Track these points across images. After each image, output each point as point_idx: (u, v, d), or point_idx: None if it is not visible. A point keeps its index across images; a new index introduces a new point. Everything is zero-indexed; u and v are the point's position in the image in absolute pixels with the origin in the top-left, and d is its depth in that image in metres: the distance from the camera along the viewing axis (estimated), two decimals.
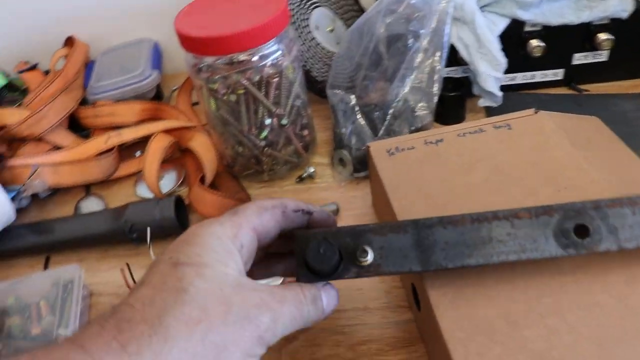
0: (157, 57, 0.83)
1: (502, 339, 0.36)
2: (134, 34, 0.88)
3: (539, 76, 0.73)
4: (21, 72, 0.81)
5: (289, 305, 0.35)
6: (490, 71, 0.64)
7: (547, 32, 0.67)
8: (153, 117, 0.75)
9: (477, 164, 0.50)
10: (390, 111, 0.63)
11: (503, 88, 0.71)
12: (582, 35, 0.68)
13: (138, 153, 0.74)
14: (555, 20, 0.65)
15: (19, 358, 0.29)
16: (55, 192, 0.73)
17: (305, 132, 0.66)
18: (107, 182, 0.72)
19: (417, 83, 0.63)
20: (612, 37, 0.66)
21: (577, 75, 0.72)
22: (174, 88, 0.83)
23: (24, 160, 0.68)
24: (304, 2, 0.73)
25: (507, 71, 0.69)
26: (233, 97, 0.59)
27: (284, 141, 0.64)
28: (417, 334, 0.48)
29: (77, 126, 0.77)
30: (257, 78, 0.58)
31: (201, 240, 0.35)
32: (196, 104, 0.80)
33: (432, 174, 0.50)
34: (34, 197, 0.72)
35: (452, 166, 0.50)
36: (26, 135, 0.71)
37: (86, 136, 0.75)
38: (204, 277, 0.33)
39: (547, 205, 0.38)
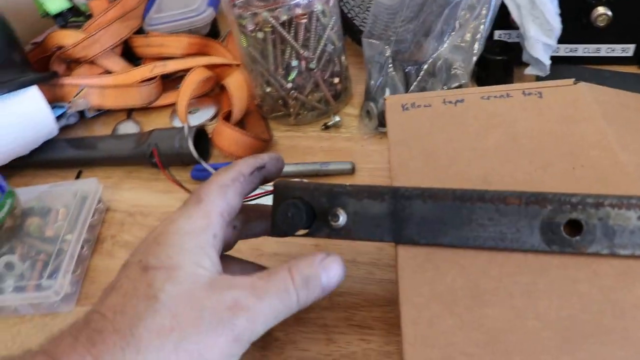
0: None
1: (459, 312, 0.33)
2: None
3: (604, 50, 0.67)
4: None
5: (269, 299, 0.33)
6: (540, 36, 0.60)
7: (617, 0, 0.61)
8: (200, 52, 0.77)
9: (492, 129, 0.47)
10: (425, 67, 0.60)
11: (562, 59, 0.66)
12: None
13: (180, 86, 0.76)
14: None
15: None
16: (102, 113, 0.77)
17: (336, 80, 0.64)
18: (147, 109, 0.75)
19: (457, 41, 0.60)
20: None
21: None
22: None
23: (74, 80, 0.73)
24: None
25: (567, 41, 0.64)
26: (260, 35, 0.59)
27: (312, 86, 0.63)
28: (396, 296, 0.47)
29: (131, 55, 0.80)
30: (284, 17, 0.57)
31: (171, 239, 0.34)
32: None
33: (442, 133, 0.47)
34: (82, 116, 0.76)
35: (465, 128, 0.47)
36: (80, 57, 0.75)
37: (138, 65, 0.78)
38: (174, 281, 0.32)
39: (542, 193, 0.34)
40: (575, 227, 0.33)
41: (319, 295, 0.35)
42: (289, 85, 0.62)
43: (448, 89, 0.60)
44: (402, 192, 0.37)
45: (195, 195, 0.37)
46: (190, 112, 0.72)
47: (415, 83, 0.61)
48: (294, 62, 0.61)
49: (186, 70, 0.72)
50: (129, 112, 0.76)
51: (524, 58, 0.63)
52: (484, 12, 0.59)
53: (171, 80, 0.77)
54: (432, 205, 0.36)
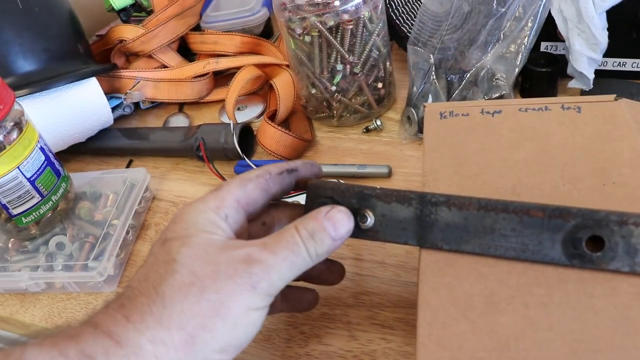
0: None
1: (473, 317, 0.34)
2: None
3: None
4: None
5: (281, 252, 0.35)
6: (585, 50, 0.59)
7: None
8: (252, 51, 0.79)
9: (525, 141, 0.47)
10: (467, 76, 0.61)
11: (610, 73, 0.66)
12: None
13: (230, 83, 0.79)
14: None
15: (42, 342, 0.32)
16: (155, 106, 0.80)
17: (380, 85, 0.66)
18: (198, 103, 0.79)
19: (501, 52, 0.60)
20: None
21: None
22: None
23: (131, 73, 0.76)
24: None
25: (616, 55, 0.63)
26: (308, 38, 0.61)
27: (356, 90, 0.65)
28: None
29: (187, 50, 0.83)
30: (331, 22, 0.59)
31: (186, 217, 0.37)
32: None
33: (475, 143, 0.48)
34: (137, 107, 0.80)
35: (498, 139, 0.48)
36: (139, 50, 0.79)
37: (192, 60, 0.81)
38: (189, 245, 0.34)
39: (566, 207, 0.35)
40: (597, 243, 0.33)
41: (331, 246, 0.37)
42: (333, 88, 0.64)
43: (489, 99, 0.61)
44: (428, 198, 0.38)
45: (218, 186, 0.40)
46: (238, 109, 0.75)
47: (457, 92, 0.61)
48: (339, 66, 0.62)
49: (237, 68, 0.75)
50: (181, 106, 0.79)
51: (569, 71, 0.62)
52: (529, 24, 0.59)
53: (223, 77, 0.80)
54: (457, 213, 0.37)
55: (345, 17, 0.59)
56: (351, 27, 0.59)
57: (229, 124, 0.66)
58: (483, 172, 0.44)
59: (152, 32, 0.77)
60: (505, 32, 0.60)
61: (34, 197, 0.56)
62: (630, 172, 0.41)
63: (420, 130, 0.62)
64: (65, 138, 0.69)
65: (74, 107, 0.69)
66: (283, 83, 0.69)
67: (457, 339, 0.34)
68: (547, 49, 0.66)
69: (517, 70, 0.60)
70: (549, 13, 0.61)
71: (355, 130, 0.67)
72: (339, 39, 0.60)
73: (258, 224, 0.43)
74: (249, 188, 0.40)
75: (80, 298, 0.56)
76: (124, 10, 0.86)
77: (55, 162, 0.59)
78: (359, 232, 0.39)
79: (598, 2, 0.59)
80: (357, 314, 0.48)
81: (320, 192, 0.40)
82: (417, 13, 0.69)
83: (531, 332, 0.33)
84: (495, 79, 0.61)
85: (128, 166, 0.71)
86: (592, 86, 0.61)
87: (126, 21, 0.87)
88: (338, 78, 0.63)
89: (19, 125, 0.55)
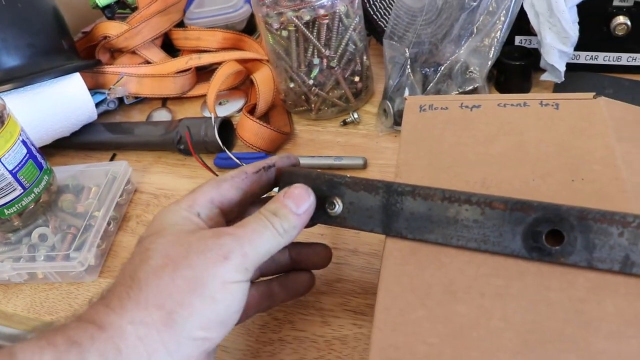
0: None
1: (431, 305, 0.35)
2: None
3: (625, 59, 0.67)
4: None
5: (250, 226, 0.37)
6: (556, 43, 0.61)
7: (638, 10, 0.62)
8: (234, 47, 0.80)
9: (501, 136, 0.48)
10: (441, 69, 0.62)
11: (583, 67, 0.67)
12: None
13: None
14: None
15: (30, 338, 0.33)
16: (139, 101, 0.82)
17: (357, 79, 0.67)
18: (181, 98, 0.80)
19: (475, 45, 0.62)
20: None
21: None
22: None
23: (115, 69, 0.78)
24: None
25: (588, 48, 0.65)
26: (285, 33, 0.62)
27: (333, 84, 0.66)
28: None
29: (171, 46, 0.84)
30: (307, 17, 0.60)
31: (159, 217, 0.39)
32: None
33: (451, 136, 0.49)
34: (122, 102, 0.81)
35: (474, 133, 0.49)
36: (123, 47, 0.80)
37: (176, 56, 0.83)
38: (163, 236, 0.36)
39: (528, 201, 0.36)
40: (556, 237, 0.34)
41: (296, 221, 0.38)
42: (311, 82, 0.65)
43: (463, 91, 0.62)
44: (395, 188, 0.39)
45: (193, 189, 0.41)
46: (220, 104, 0.76)
47: (432, 84, 0.63)
48: (316, 60, 0.64)
49: (219, 63, 0.76)
50: (164, 101, 0.80)
51: (541, 64, 0.64)
52: (502, 18, 0.61)
53: (205, 72, 0.81)
54: (421, 203, 0.38)
55: (322, 12, 0.60)
56: (327, 21, 0.61)
57: (209, 117, 0.67)
58: (456, 164, 0.45)
59: (135, 29, 0.79)
60: (478, 26, 0.62)
61: (15, 189, 0.57)
62: (601, 169, 0.41)
63: (396, 122, 0.63)
64: (49, 132, 0.70)
65: (58, 102, 0.70)
66: (263, 78, 0.71)
67: (412, 325, 0.35)
68: (521, 42, 0.67)
69: (489, 63, 0.62)
70: (522, 7, 0.62)
71: (333, 124, 0.69)
72: (315, 33, 0.62)
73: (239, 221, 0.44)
74: (223, 188, 0.41)
75: (62, 288, 0.57)
76: (108, 7, 0.87)
77: (37, 155, 0.60)
78: (327, 218, 0.41)
79: None
80: (330, 301, 0.49)
81: (292, 180, 0.42)
82: (393, 8, 0.70)
83: (484, 321, 0.34)
84: (469, 71, 0.62)
85: (112, 160, 0.73)
86: (563, 79, 0.62)
87: (111, 18, 0.88)
88: (315, 72, 0.65)
89: (0, 119, 0.56)
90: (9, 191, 0.57)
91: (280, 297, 0.45)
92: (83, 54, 0.84)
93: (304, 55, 0.63)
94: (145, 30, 0.79)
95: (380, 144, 0.64)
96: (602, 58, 0.67)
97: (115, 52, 0.83)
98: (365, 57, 0.67)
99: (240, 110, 0.75)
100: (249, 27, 0.86)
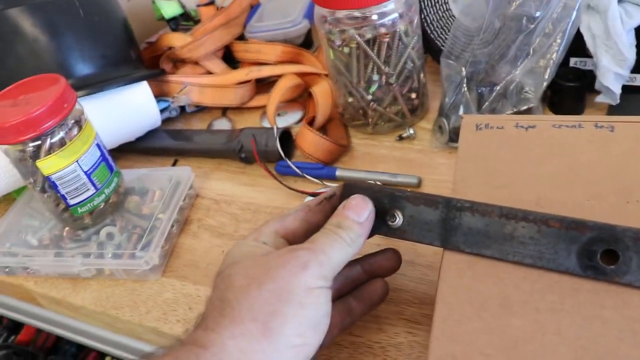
0: (313, 8, 0.90)
1: (487, 317, 0.37)
2: None
3: None
4: (199, 5, 0.94)
5: (320, 240, 0.39)
6: (612, 66, 0.62)
7: None
8: (292, 60, 0.83)
9: (555, 157, 0.48)
10: (497, 89, 0.64)
11: (638, 89, 0.68)
12: None
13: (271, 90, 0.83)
14: None
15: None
16: (200, 110, 0.85)
17: (414, 96, 0.69)
18: (240, 108, 0.83)
19: (531, 66, 0.63)
20: None
21: None
22: None
23: (178, 78, 0.81)
24: None
25: None
26: (347, 50, 0.65)
27: (391, 100, 0.68)
28: None
29: (231, 58, 0.88)
30: (369, 35, 0.62)
31: (231, 252, 0.42)
32: None
33: (506, 156, 0.50)
34: (183, 110, 0.84)
35: (528, 153, 0.49)
36: (186, 57, 0.84)
37: (236, 68, 0.86)
38: (238, 264, 0.39)
39: (583, 220, 0.37)
40: (612, 256, 0.35)
41: (360, 229, 0.41)
42: (369, 97, 0.68)
43: (517, 111, 0.63)
44: (454, 203, 0.41)
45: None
46: (278, 115, 0.79)
47: (487, 103, 0.64)
48: (375, 77, 0.66)
49: (278, 76, 0.79)
50: (224, 111, 0.84)
51: (596, 86, 0.65)
52: (558, 40, 0.62)
53: (264, 84, 0.84)
54: (479, 219, 0.40)
55: (383, 30, 0.62)
56: (388, 40, 0.63)
57: (270, 128, 0.70)
58: (511, 183, 0.46)
59: (199, 41, 0.82)
60: (534, 48, 0.63)
61: (89, 189, 0.61)
62: None
63: (451, 139, 0.65)
64: (116, 137, 0.74)
65: (126, 109, 0.74)
66: (322, 91, 0.73)
67: (469, 335, 0.36)
68: (576, 64, 0.68)
69: (545, 84, 0.63)
70: (578, 30, 0.63)
71: (388, 138, 0.71)
72: (375, 50, 0.64)
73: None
74: (287, 221, 0.44)
75: (127, 285, 0.61)
76: (173, 19, 0.92)
77: (109, 158, 0.64)
78: (388, 230, 0.43)
79: (626, 20, 0.62)
80: (386, 309, 0.51)
81: (354, 192, 0.44)
82: (450, 28, 0.72)
83: (539, 335, 0.35)
84: (524, 92, 0.64)
85: (173, 165, 0.76)
86: (618, 101, 0.63)
87: (175, 29, 0.92)
88: (374, 88, 0.67)
89: (79, 123, 0.59)
90: (83, 191, 0.60)
91: (359, 310, 0.47)
92: (147, 63, 0.88)
93: (364, 71, 0.66)
94: (208, 42, 0.83)
95: (434, 159, 0.66)
96: None
97: (178, 62, 0.87)
98: (422, 75, 0.69)
99: (298, 122, 0.77)
100: (307, 42, 0.90)
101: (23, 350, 1.15)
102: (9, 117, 0.54)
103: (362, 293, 0.47)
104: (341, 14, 0.63)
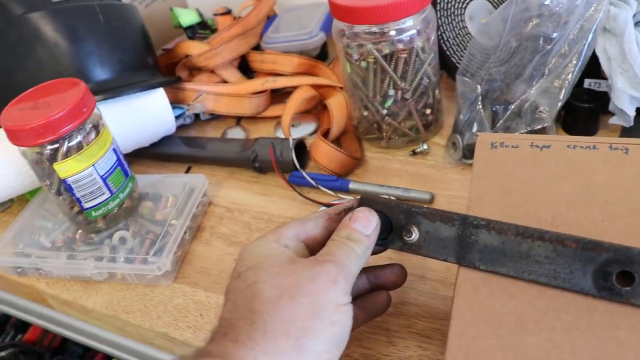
0: (329, 21, 0.91)
1: (502, 334, 0.37)
2: None
3: None
4: (216, 15, 0.95)
5: (338, 252, 0.40)
6: (627, 88, 0.62)
7: None
8: (308, 72, 0.84)
9: (570, 177, 0.48)
10: (511, 107, 0.64)
11: None
12: None
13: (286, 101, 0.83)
14: None
15: None
16: (214, 118, 0.86)
17: (428, 111, 0.69)
18: (255, 118, 0.84)
19: (546, 86, 0.64)
20: None
21: None
22: None
23: (194, 86, 0.82)
24: None
25: None
26: (364, 64, 0.65)
27: (405, 115, 0.69)
28: None
29: (247, 68, 0.89)
30: (386, 51, 0.63)
31: (250, 251, 0.42)
32: None
33: (521, 174, 0.50)
34: (197, 118, 0.85)
35: (543, 172, 0.50)
36: (202, 65, 0.85)
37: (251, 77, 0.87)
38: (263, 268, 0.39)
39: (599, 241, 0.37)
40: (627, 278, 0.35)
41: (367, 241, 0.41)
42: (384, 111, 0.68)
43: (531, 130, 0.64)
44: (470, 221, 0.41)
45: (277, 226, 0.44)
46: (293, 126, 0.80)
47: (501, 122, 0.65)
48: (391, 92, 0.66)
49: (294, 87, 0.80)
50: (238, 120, 0.84)
51: (610, 107, 0.65)
52: (574, 61, 0.63)
53: (279, 95, 0.85)
54: (495, 237, 0.40)
55: (400, 46, 0.63)
56: (405, 55, 0.64)
57: (285, 138, 0.71)
58: (526, 202, 0.47)
59: (216, 50, 0.83)
60: (550, 68, 0.64)
61: (104, 193, 0.61)
62: None
63: (465, 156, 0.65)
64: (131, 142, 0.75)
65: (142, 114, 0.74)
66: (337, 104, 0.74)
67: (484, 352, 0.37)
68: (590, 85, 0.69)
69: (559, 104, 0.64)
70: (594, 52, 0.64)
71: (402, 152, 0.71)
72: (392, 66, 0.65)
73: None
74: (308, 225, 0.44)
75: (138, 289, 0.61)
76: (190, 27, 0.93)
77: (124, 163, 0.64)
78: (403, 245, 0.43)
79: None
80: (396, 322, 0.51)
81: (371, 206, 0.44)
82: (467, 45, 0.73)
83: (554, 354, 0.35)
84: (539, 111, 0.64)
85: (187, 172, 0.77)
86: (632, 123, 0.64)
87: (192, 38, 0.93)
88: (389, 102, 0.68)
89: (96, 128, 0.60)
90: (98, 195, 0.61)
91: (360, 318, 0.47)
92: (163, 70, 0.89)
93: (380, 86, 0.66)
94: (225, 51, 0.84)
95: (448, 175, 0.66)
96: None
97: (194, 70, 0.88)
98: (437, 91, 0.70)
99: (312, 133, 0.78)
100: (322, 54, 0.90)
101: (30, 349, 1.15)
102: (29, 120, 0.55)
103: (365, 303, 0.48)
104: (359, 28, 0.63)
